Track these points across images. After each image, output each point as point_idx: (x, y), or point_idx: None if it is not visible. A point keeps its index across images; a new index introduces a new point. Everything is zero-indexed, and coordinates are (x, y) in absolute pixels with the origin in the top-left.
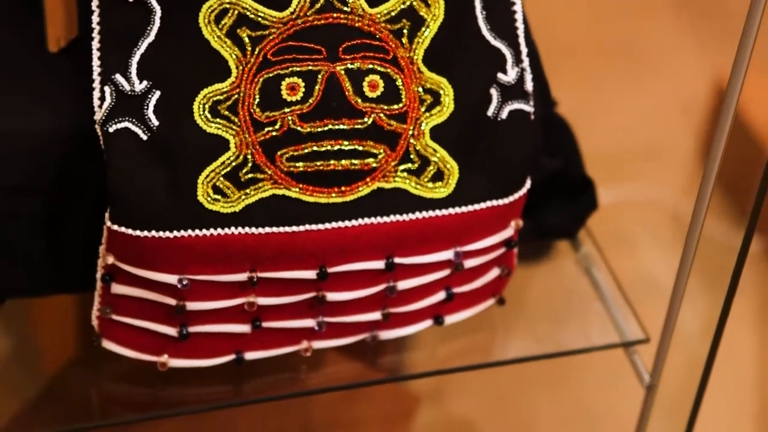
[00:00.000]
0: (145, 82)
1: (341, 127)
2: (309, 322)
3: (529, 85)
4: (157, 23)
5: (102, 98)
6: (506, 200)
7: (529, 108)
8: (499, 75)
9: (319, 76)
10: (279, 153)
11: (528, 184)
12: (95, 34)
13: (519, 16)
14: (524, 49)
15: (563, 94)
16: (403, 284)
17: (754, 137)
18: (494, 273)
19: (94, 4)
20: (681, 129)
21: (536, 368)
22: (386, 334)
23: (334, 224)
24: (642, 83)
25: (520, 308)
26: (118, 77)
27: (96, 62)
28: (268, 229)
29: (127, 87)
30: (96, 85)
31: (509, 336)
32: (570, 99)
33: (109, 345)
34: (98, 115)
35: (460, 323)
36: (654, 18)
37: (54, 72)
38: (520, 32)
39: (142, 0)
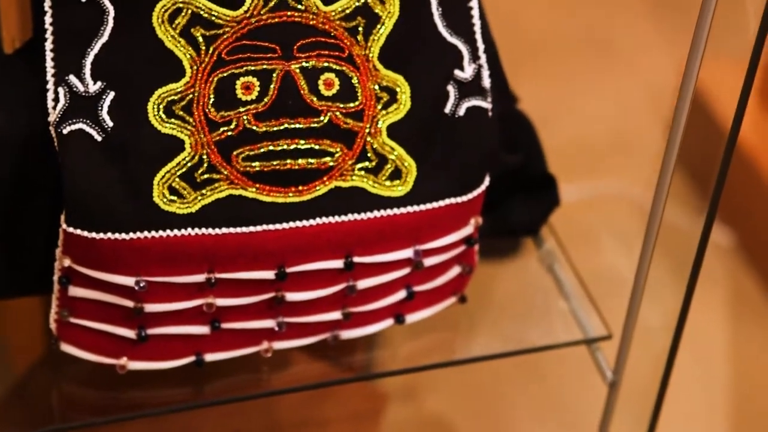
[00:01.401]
0: (99, 83)
1: (297, 125)
2: (269, 323)
3: (486, 82)
4: (111, 23)
5: (56, 99)
6: (465, 198)
7: (486, 105)
8: (456, 72)
9: (274, 75)
10: (235, 153)
11: (487, 181)
12: (48, 35)
13: (476, 12)
14: (481, 46)
15: (528, 90)
16: (363, 283)
17: (718, 126)
18: (455, 271)
19: (47, 4)
20: (648, 124)
21: (501, 366)
22: (347, 334)
23: (291, 224)
24: (608, 77)
25: (483, 306)
26: (72, 78)
27: (49, 63)
28: (225, 230)
29: (80, 88)
30: (50, 86)
31: (473, 334)
32: (536, 94)
33: (67, 348)
34: (52, 117)
35: (425, 321)
36: (620, 10)
37: (10, 73)
38: (477, 28)
39: (94, 0)
